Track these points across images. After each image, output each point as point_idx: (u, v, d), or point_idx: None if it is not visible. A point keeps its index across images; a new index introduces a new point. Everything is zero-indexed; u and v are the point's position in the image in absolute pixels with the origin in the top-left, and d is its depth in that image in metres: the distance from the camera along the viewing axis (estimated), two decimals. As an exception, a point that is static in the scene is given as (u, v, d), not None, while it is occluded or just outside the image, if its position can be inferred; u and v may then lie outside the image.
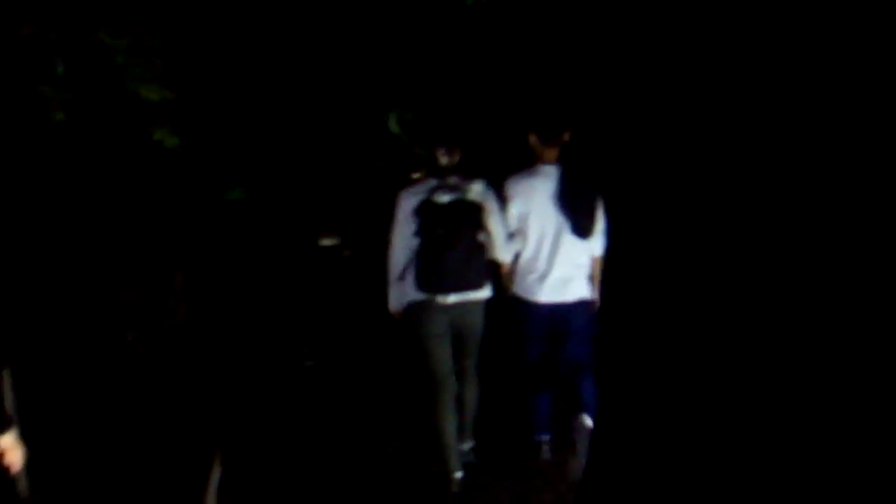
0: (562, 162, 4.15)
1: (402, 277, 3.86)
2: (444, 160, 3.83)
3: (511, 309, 4.24)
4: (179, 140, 4.44)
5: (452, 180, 3.80)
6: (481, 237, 3.82)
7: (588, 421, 3.75)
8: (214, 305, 7.60)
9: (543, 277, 4.10)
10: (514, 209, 4.09)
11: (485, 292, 3.95)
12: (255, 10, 5.09)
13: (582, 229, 4.11)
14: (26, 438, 2.74)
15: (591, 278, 4.30)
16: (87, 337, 6.42)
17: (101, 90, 4.19)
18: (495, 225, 3.90)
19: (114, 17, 4.12)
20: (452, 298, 3.79)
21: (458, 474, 3.95)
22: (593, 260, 4.27)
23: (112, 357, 6.42)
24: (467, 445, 4.13)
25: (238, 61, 5.25)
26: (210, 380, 6.19)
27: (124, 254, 6.64)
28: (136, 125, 4.34)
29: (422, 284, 3.78)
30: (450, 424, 3.92)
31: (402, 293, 3.93)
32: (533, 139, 4.17)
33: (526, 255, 4.12)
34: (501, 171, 4.18)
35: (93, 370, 6.16)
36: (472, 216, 3.77)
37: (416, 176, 4.02)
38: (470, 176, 3.89)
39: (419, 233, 3.73)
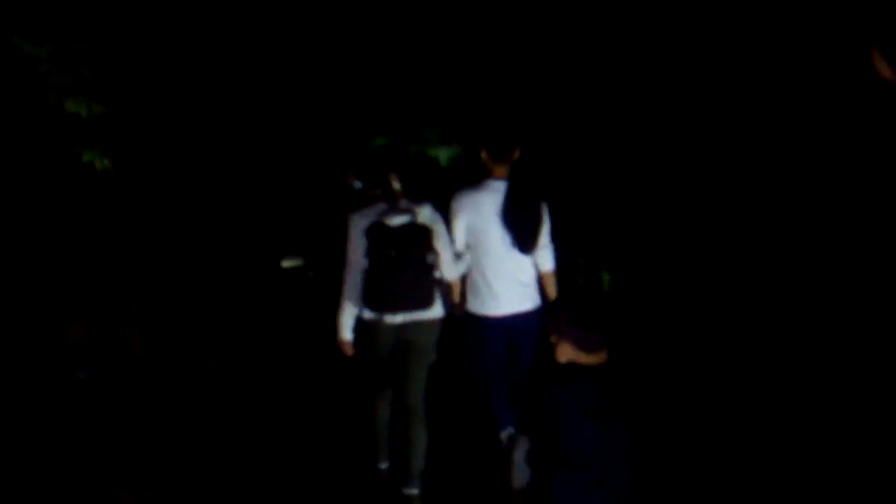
0: (511, 178, 4.25)
1: (354, 297, 3.96)
2: (396, 185, 3.94)
3: (463, 325, 4.35)
4: (112, 162, 3.90)
5: (402, 203, 3.90)
6: (430, 258, 3.90)
7: (524, 442, 3.85)
8: (172, 336, 7.11)
9: (495, 291, 4.24)
10: (462, 223, 4.23)
11: (434, 312, 4.01)
12: (200, 10, 4.60)
13: (523, 245, 4.22)
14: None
15: (541, 292, 4.39)
16: (33, 377, 5.89)
17: (19, 103, 3.67)
18: (444, 246, 4.01)
19: (32, 20, 3.63)
20: (401, 318, 3.89)
21: (384, 465, 4.20)
22: (545, 275, 4.38)
23: (60, 398, 5.87)
24: (414, 490, 4.05)
25: (181, 70, 4.77)
26: (169, 421, 5.65)
27: (70, 285, 6.11)
28: (62, 144, 3.81)
29: (371, 304, 3.87)
30: (382, 416, 4.14)
31: (352, 314, 4.04)
32: (484, 155, 4.27)
33: (475, 269, 4.26)
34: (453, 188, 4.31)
35: (39, 412, 5.61)
36: (422, 238, 3.87)
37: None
38: (418, 200, 3.99)
39: (369, 254, 3.82)
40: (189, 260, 7.78)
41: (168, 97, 5.09)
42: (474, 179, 4.32)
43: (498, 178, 4.24)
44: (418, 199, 3.99)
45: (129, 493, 4.49)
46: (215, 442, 5.17)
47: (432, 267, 3.92)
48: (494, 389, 4.39)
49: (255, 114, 6.83)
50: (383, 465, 4.26)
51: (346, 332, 4.04)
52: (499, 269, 4.23)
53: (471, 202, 4.23)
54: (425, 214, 3.93)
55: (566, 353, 2.72)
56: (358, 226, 3.89)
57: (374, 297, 3.84)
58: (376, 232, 3.82)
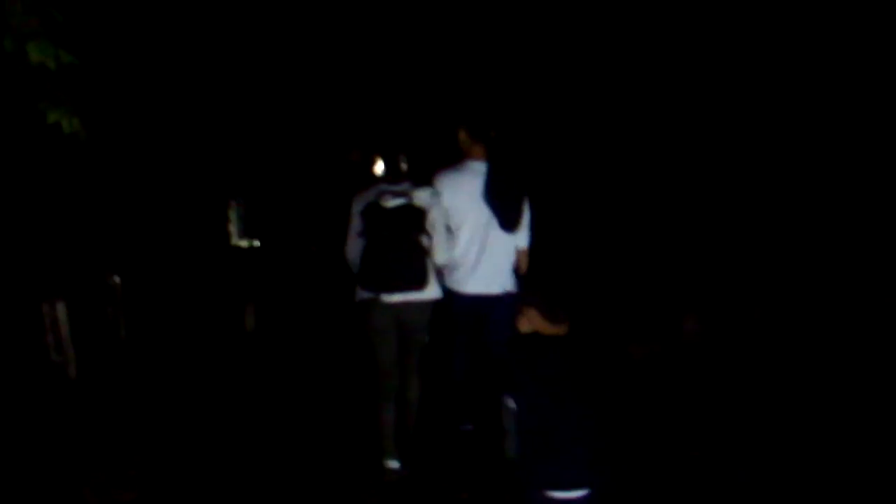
0: (490, 158, 4.31)
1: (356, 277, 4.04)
2: (403, 166, 4.04)
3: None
4: (83, 124, 3.22)
5: (401, 186, 3.98)
6: (424, 241, 3.98)
7: (511, 402, 3.73)
8: (159, 315, 6.46)
9: (472, 270, 4.31)
10: (443, 204, 4.20)
11: (428, 293, 4.08)
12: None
13: (508, 223, 4.30)
14: None
15: (515, 270, 4.46)
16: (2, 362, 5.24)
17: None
18: (437, 230, 4.07)
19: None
20: (396, 297, 3.98)
21: (394, 464, 4.13)
22: (519, 252, 4.43)
23: (33, 385, 5.23)
24: (394, 464, 4.15)
25: (168, 21, 4.10)
26: (155, 414, 5.03)
27: (43, 258, 5.46)
28: (24, 101, 3.12)
29: (367, 283, 3.96)
30: (389, 415, 4.13)
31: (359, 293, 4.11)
32: (462, 135, 4.33)
33: (456, 249, 4.28)
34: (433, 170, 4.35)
35: (8, 401, 4.98)
36: (417, 220, 3.95)
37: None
38: (417, 183, 4.05)
39: (364, 234, 3.93)
40: (173, 232, 7.17)
41: (152, 52, 4.51)
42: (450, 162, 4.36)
43: (476, 158, 4.29)
44: (422, 182, 4.07)
45: (101, 496, 3.90)
46: (206, 438, 4.58)
47: (426, 249, 4.01)
48: (458, 374, 4.51)
49: (248, 79, 6.41)
50: (392, 464, 4.16)
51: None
52: (482, 248, 4.30)
53: (451, 183, 4.26)
54: (422, 197, 4.00)
55: (531, 321, 2.86)
56: (357, 207, 4.00)
57: (369, 276, 3.93)
58: (372, 212, 3.91)
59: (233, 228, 8.20)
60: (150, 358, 6.01)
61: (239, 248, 8.19)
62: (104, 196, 6.08)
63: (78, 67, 3.11)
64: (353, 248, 4.03)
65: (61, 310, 5.48)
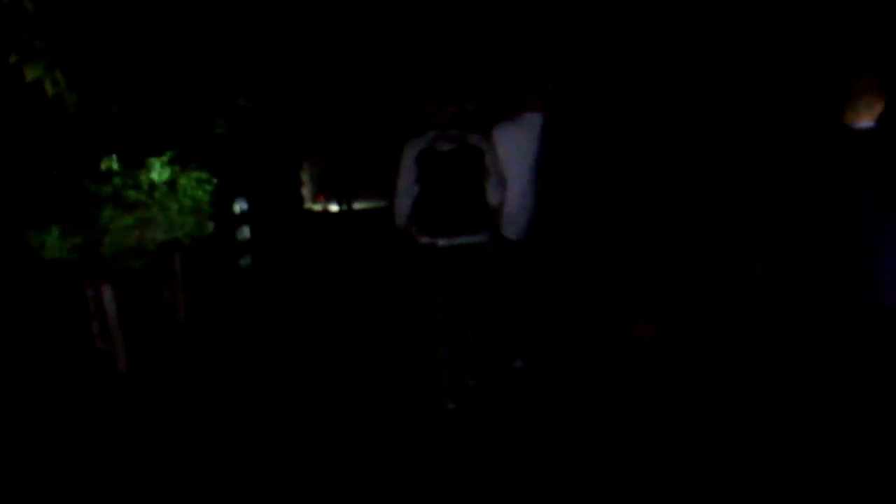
0: (545, 111, 4.41)
1: (406, 223, 4.11)
2: (450, 113, 4.04)
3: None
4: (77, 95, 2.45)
5: (452, 131, 4.01)
6: (480, 183, 4.06)
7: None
8: (225, 296, 5.79)
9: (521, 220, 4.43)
10: (498, 154, 4.24)
11: (484, 236, 4.13)
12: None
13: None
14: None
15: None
16: (42, 352, 4.64)
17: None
18: (492, 172, 4.11)
19: None
20: (453, 241, 4.03)
21: (451, 406, 4.17)
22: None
23: (74, 380, 4.63)
24: (451, 405, 4.19)
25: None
26: (216, 408, 4.36)
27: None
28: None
29: (424, 229, 4.04)
30: (445, 357, 4.16)
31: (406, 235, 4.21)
32: (519, 89, 4.42)
33: (510, 197, 4.34)
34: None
35: (46, 396, 4.39)
36: (473, 162, 4.03)
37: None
38: (467, 128, 4.08)
39: (420, 180, 3.98)
40: (237, 200, 6.47)
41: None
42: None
43: (533, 111, 4.39)
44: (468, 128, 4.08)
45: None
46: (272, 437, 3.90)
47: (483, 191, 4.08)
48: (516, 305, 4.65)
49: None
50: (450, 406, 4.17)
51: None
52: (530, 199, 4.43)
53: (505, 134, 4.33)
54: (475, 139, 4.04)
55: None
56: (410, 154, 4.00)
57: (425, 221, 4.01)
58: (426, 158, 3.95)
59: (306, 191, 7.47)
60: (214, 345, 5.36)
61: (312, 213, 7.46)
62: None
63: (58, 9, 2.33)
64: (406, 195, 4.05)
65: (107, 293, 4.86)
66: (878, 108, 3.34)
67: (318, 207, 7.54)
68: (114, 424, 4.13)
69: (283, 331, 5.60)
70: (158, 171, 5.32)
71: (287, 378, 4.74)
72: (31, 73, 2.42)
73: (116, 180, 5.08)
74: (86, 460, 3.73)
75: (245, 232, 6.78)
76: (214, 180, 5.67)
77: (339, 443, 3.85)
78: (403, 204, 4.04)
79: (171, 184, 5.42)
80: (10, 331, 4.66)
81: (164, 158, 5.33)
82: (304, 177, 7.56)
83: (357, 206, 7.36)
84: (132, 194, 5.13)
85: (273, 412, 4.24)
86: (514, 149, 4.32)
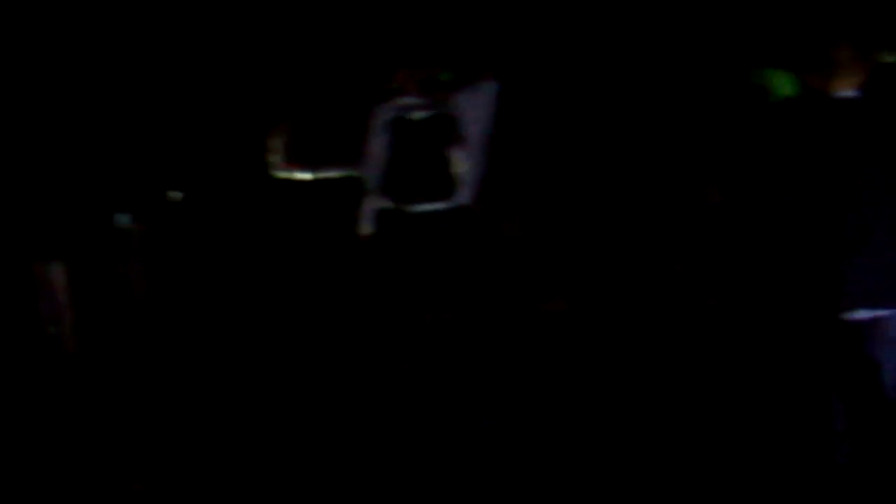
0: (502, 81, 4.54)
1: (375, 190, 4.11)
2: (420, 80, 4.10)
3: None
4: None
5: (422, 98, 4.06)
6: (451, 151, 4.05)
7: None
8: (185, 268, 5.38)
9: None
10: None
11: (451, 203, 4.15)
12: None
13: None
14: None
15: None
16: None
17: None
18: (461, 139, 4.13)
19: None
20: (420, 207, 4.04)
21: None
22: None
23: (21, 365, 4.24)
24: None
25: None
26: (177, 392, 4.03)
27: (36, 206, 4.39)
28: None
29: (392, 193, 4.04)
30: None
31: (373, 206, 4.19)
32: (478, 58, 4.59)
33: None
34: None
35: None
36: (443, 130, 4.05)
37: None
38: (437, 95, 4.14)
39: (392, 146, 3.99)
40: (201, 166, 6.05)
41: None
42: None
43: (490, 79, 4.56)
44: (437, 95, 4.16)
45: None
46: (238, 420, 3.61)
47: (453, 159, 4.08)
48: None
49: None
50: None
51: (367, 225, 4.22)
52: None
53: (466, 102, 4.38)
54: (446, 106, 4.11)
55: None
56: (381, 120, 4.03)
57: (396, 186, 4.02)
58: (398, 125, 3.99)
59: (275, 158, 7.06)
60: (174, 322, 4.98)
61: (285, 182, 7.04)
62: (109, 123, 4.94)
63: None
64: (376, 162, 4.07)
65: (58, 271, 4.45)
66: (861, 77, 2.88)
67: (287, 176, 7.13)
68: (59, 408, 3.79)
69: (250, 307, 5.25)
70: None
71: (256, 360, 4.42)
72: None
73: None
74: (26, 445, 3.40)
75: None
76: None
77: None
78: (373, 170, 4.11)
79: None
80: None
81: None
82: (273, 143, 7.14)
83: (327, 174, 6.97)
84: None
85: (239, 399, 3.92)
86: (471, 117, 4.37)
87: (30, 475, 3.24)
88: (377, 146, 4.09)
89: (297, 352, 4.64)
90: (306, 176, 7.13)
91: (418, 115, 4.05)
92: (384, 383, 4.04)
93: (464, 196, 4.37)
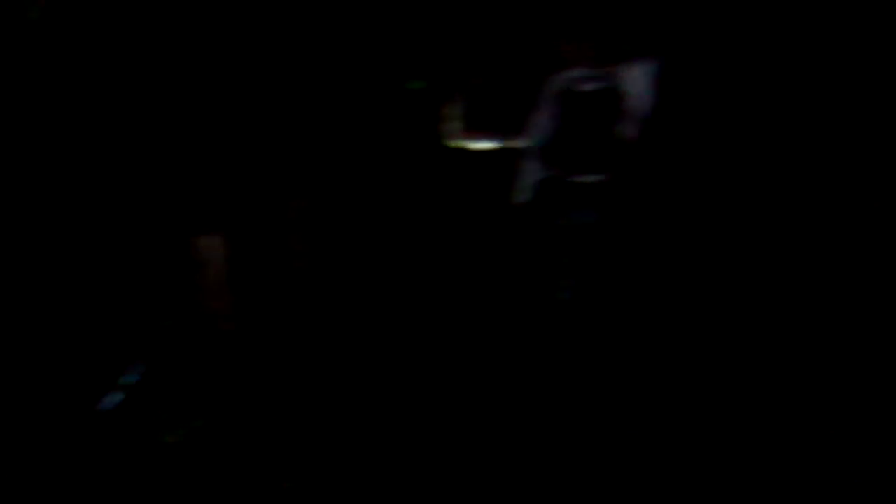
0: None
1: (536, 160, 4.17)
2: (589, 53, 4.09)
3: None
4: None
5: (595, 71, 4.04)
6: (617, 124, 4.03)
7: None
8: (353, 245, 5.04)
9: None
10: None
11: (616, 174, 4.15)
12: None
13: None
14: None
15: None
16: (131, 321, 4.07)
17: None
18: (629, 114, 4.09)
19: None
20: (586, 178, 4.06)
21: None
22: None
23: (175, 344, 4.03)
24: None
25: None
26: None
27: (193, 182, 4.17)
28: None
29: (556, 164, 4.08)
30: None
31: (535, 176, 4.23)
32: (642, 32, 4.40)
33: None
34: None
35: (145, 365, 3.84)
36: (612, 104, 4.05)
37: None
38: (607, 68, 4.10)
39: (558, 119, 4.01)
40: (371, 136, 5.69)
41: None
42: None
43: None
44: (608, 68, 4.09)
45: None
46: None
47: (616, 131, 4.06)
48: None
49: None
50: None
51: (524, 195, 4.28)
52: None
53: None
54: (619, 80, 4.07)
55: None
56: (550, 91, 4.07)
57: (560, 156, 4.05)
58: (566, 97, 4.02)
59: (450, 127, 6.69)
60: (337, 301, 4.66)
61: (458, 152, 6.63)
62: (275, 90, 4.68)
63: None
64: (542, 129, 4.13)
65: (216, 245, 4.21)
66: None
67: (462, 145, 6.73)
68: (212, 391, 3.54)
69: (415, 282, 4.86)
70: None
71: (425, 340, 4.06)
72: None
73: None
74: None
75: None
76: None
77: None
78: (539, 140, 4.18)
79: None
80: (105, 285, 4.11)
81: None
82: (447, 113, 6.77)
83: (498, 143, 6.57)
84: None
85: (411, 385, 3.56)
86: (637, 92, 4.31)
87: (182, 461, 3.01)
88: (545, 116, 4.16)
89: (465, 331, 4.30)
90: (480, 145, 6.74)
91: (587, 86, 4.09)
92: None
93: (627, 168, 4.35)
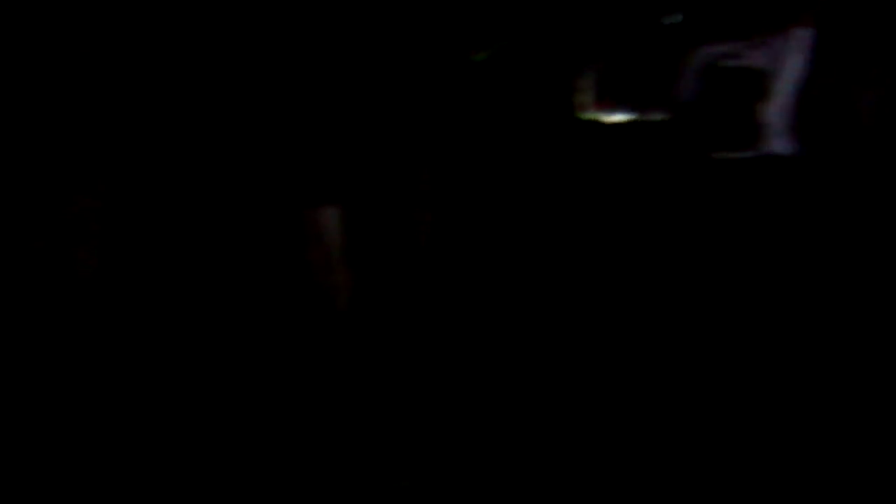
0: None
1: (682, 135, 4.12)
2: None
3: None
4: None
5: (742, 43, 3.96)
6: (762, 100, 3.90)
7: None
8: (482, 219, 4.62)
9: None
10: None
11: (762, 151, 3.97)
12: None
13: None
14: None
15: None
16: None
17: None
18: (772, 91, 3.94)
19: None
20: (730, 155, 3.95)
21: None
22: None
23: (283, 322, 3.70)
24: None
25: None
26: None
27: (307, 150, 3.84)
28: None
29: (698, 140, 3.99)
30: None
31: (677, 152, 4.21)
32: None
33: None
34: None
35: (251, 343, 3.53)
36: (756, 80, 3.93)
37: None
38: (762, 37, 3.96)
39: (701, 92, 3.96)
40: (501, 103, 5.25)
41: None
42: None
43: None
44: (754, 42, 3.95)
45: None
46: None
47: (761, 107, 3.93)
48: None
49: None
50: None
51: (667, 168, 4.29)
52: None
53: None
54: (760, 55, 3.93)
55: None
56: (692, 67, 4.01)
57: (703, 132, 3.97)
58: (708, 73, 3.93)
59: (584, 99, 6.21)
60: (463, 280, 4.24)
61: (592, 124, 6.14)
62: (396, 55, 4.31)
63: None
64: (684, 104, 4.07)
65: (331, 217, 3.86)
66: None
67: (595, 118, 6.27)
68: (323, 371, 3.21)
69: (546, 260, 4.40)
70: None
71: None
72: None
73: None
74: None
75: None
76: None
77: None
78: (681, 115, 4.13)
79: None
80: (213, 261, 3.83)
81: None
82: (582, 83, 6.30)
83: (636, 117, 6.12)
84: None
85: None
86: (786, 66, 4.13)
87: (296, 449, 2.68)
88: (687, 91, 4.11)
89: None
90: (615, 118, 6.26)
91: (730, 62, 3.99)
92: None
93: (774, 145, 4.15)
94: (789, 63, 4.21)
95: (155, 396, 3.19)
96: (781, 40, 4.24)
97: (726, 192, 4.13)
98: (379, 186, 4.23)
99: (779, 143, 4.32)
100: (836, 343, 3.55)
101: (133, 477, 2.69)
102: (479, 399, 3.19)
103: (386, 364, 3.48)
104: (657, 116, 5.78)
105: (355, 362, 3.51)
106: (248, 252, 3.91)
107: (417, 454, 2.84)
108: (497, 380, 3.35)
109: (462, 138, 4.89)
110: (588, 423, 3.02)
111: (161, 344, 3.54)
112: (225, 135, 3.88)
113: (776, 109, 4.13)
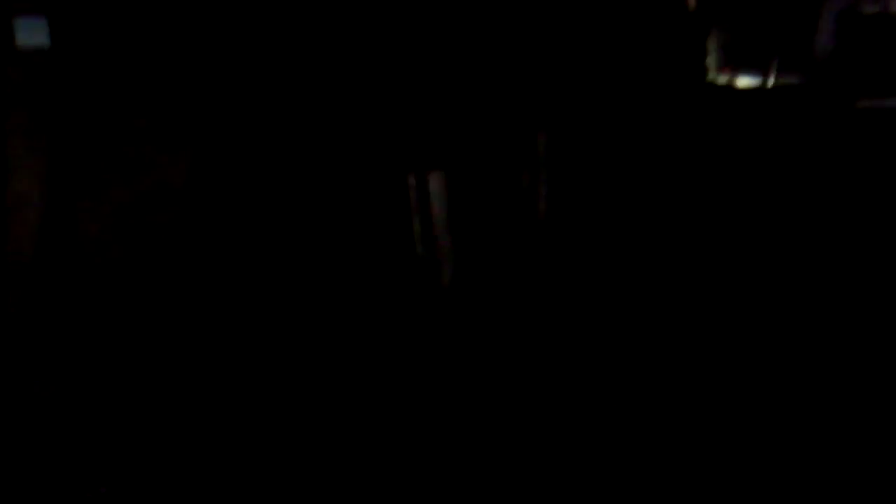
0: None
1: (822, 87, 4.06)
2: None
3: None
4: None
5: None
6: None
7: None
8: (601, 187, 4.20)
9: None
10: None
11: None
12: None
13: None
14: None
15: None
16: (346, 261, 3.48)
17: None
18: None
19: None
20: (874, 104, 3.93)
21: None
22: None
23: (383, 293, 3.41)
24: None
25: None
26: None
27: (408, 102, 3.52)
28: None
29: (841, 90, 3.91)
30: None
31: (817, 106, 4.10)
32: None
33: None
34: None
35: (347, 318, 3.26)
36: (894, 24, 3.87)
37: None
38: None
39: (842, 41, 3.91)
40: (622, 66, 4.79)
41: None
42: None
43: None
44: None
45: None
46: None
47: None
48: None
49: None
50: None
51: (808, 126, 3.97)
52: None
53: None
54: None
55: None
56: (830, 14, 3.98)
57: (845, 81, 3.85)
58: (847, 19, 3.92)
59: (714, 61, 5.72)
60: (584, 251, 3.86)
61: (723, 89, 5.63)
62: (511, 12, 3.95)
63: None
64: (824, 54, 4.03)
65: (436, 182, 3.55)
66: None
67: (723, 81, 5.73)
68: (422, 349, 2.93)
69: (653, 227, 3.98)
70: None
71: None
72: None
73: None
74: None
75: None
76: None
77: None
78: (821, 67, 4.08)
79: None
80: (306, 232, 3.58)
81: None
82: (710, 44, 5.78)
83: (768, 80, 5.55)
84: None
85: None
86: None
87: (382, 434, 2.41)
88: (826, 41, 4.12)
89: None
90: (747, 82, 5.71)
91: (868, 9, 4.00)
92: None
93: None
94: None
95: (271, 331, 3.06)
96: None
97: (878, 144, 3.94)
98: (492, 152, 3.90)
99: None
100: None
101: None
102: (595, 378, 2.83)
103: (489, 341, 3.16)
104: (790, 78, 5.25)
105: (453, 337, 3.20)
106: (354, 218, 3.66)
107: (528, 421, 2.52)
108: (617, 362, 2.98)
109: (585, 104, 4.51)
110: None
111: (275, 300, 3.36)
112: (337, 95, 3.63)
113: None
